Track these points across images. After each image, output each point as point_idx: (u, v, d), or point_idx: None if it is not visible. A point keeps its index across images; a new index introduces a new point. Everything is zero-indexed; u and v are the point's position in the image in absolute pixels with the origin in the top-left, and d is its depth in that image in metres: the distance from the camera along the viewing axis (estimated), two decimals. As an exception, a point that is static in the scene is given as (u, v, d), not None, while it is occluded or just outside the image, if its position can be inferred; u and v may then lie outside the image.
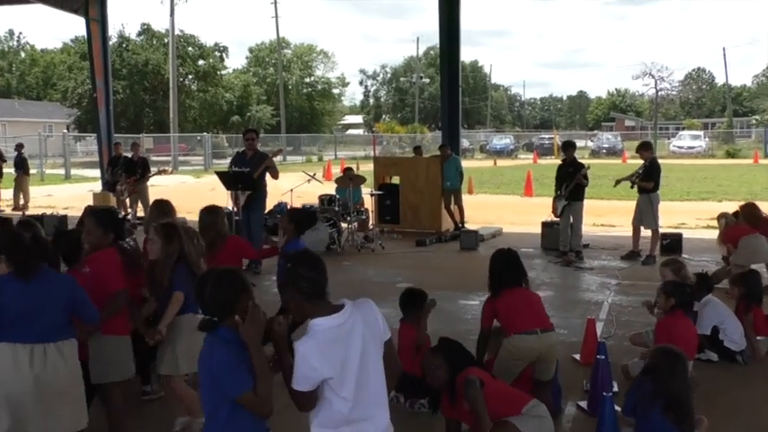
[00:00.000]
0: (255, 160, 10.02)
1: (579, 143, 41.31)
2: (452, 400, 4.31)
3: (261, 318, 2.95)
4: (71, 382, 3.84)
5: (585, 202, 11.19)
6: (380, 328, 3.03)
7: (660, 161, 11.23)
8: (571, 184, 10.71)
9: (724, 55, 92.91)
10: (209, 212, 5.91)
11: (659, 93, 66.61)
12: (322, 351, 2.82)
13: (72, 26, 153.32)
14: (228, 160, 13.38)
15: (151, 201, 13.73)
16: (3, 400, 3.65)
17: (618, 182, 11.39)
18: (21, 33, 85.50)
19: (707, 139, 48.44)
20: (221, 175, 10.35)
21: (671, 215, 14.74)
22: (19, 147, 19.35)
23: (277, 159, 10.46)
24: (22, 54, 72.33)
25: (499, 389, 4.29)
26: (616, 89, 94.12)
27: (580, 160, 11.29)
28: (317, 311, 2.89)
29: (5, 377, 3.65)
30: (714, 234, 12.05)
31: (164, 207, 5.83)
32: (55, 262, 4.45)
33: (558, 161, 11.63)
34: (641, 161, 11.02)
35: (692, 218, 15.01)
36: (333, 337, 2.84)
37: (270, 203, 14.20)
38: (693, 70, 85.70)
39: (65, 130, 40.72)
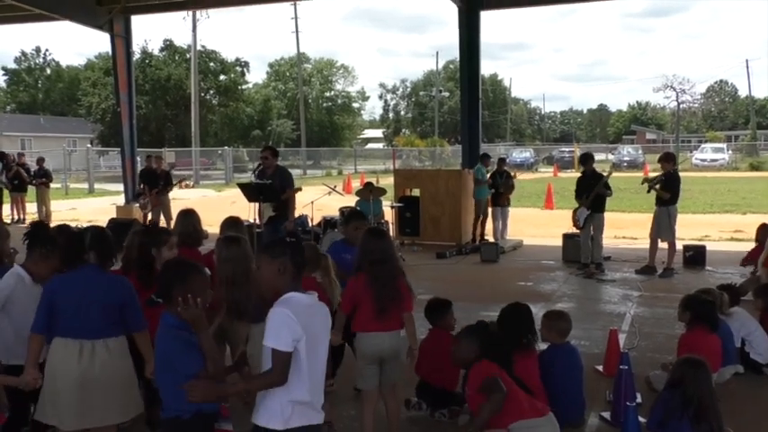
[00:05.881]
0: (277, 175, 10.06)
1: (600, 156, 41.17)
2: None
3: (193, 304, 3.13)
4: (116, 377, 3.94)
5: (607, 214, 11.12)
6: (329, 326, 3.31)
7: (682, 174, 11.07)
8: (593, 192, 10.65)
9: (747, 66, 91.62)
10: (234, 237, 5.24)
11: (681, 105, 66.13)
12: (296, 314, 2.99)
13: (96, 42, 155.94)
14: (249, 174, 13.42)
15: (174, 213, 13.96)
16: (50, 391, 3.85)
17: (645, 180, 11.18)
18: (47, 50, 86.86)
19: (730, 152, 47.92)
20: (243, 186, 10.42)
21: (694, 227, 14.62)
22: (40, 161, 19.95)
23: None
24: (48, 70, 73.61)
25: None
26: (637, 102, 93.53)
27: (600, 172, 11.22)
28: (292, 288, 3.09)
29: (55, 370, 3.87)
30: (738, 246, 11.98)
31: (191, 217, 5.65)
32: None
33: (579, 174, 11.58)
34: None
35: (716, 230, 14.86)
36: (302, 311, 3.03)
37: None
38: (716, 82, 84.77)
39: (88, 145, 41.30)
